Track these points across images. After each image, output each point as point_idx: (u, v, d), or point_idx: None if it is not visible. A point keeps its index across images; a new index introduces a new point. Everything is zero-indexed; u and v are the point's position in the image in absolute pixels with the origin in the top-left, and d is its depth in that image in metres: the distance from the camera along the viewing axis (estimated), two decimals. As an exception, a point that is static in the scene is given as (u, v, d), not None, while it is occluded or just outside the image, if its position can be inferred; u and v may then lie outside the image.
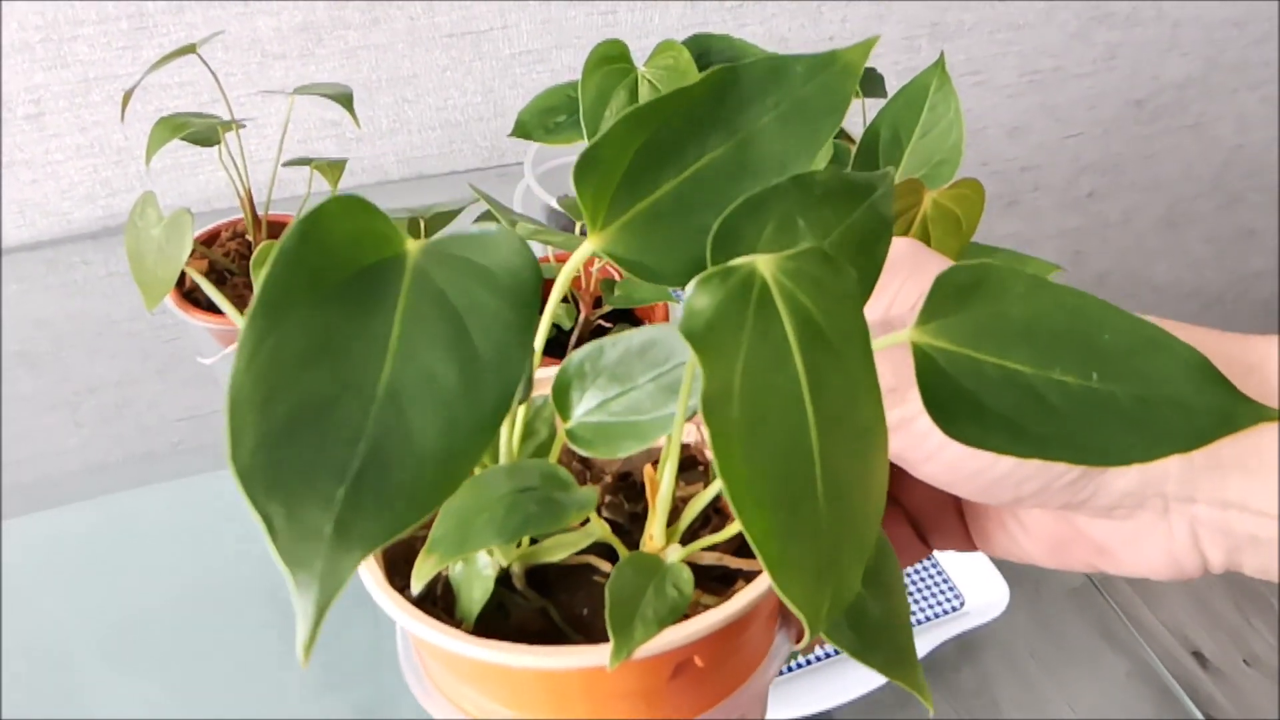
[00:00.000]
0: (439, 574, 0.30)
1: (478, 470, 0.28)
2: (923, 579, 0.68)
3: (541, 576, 0.31)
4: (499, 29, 0.93)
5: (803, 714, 0.61)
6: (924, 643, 0.64)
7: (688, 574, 0.27)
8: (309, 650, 0.18)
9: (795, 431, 0.21)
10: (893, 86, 0.53)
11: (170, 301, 0.62)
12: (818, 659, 0.64)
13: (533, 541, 0.29)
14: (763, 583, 0.28)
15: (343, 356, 0.20)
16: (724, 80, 0.26)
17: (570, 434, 0.28)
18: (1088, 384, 0.25)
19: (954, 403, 0.25)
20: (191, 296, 0.63)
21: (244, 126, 0.61)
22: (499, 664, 0.27)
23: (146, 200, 0.59)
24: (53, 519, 0.78)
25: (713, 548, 0.29)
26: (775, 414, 0.21)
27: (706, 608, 0.28)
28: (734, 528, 0.28)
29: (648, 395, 0.28)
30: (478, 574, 0.29)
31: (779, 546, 0.20)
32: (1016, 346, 0.26)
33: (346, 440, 0.19)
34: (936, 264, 0.33)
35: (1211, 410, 0.25)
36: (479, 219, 0.57)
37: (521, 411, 0.30)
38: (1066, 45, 1.20)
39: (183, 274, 0.60)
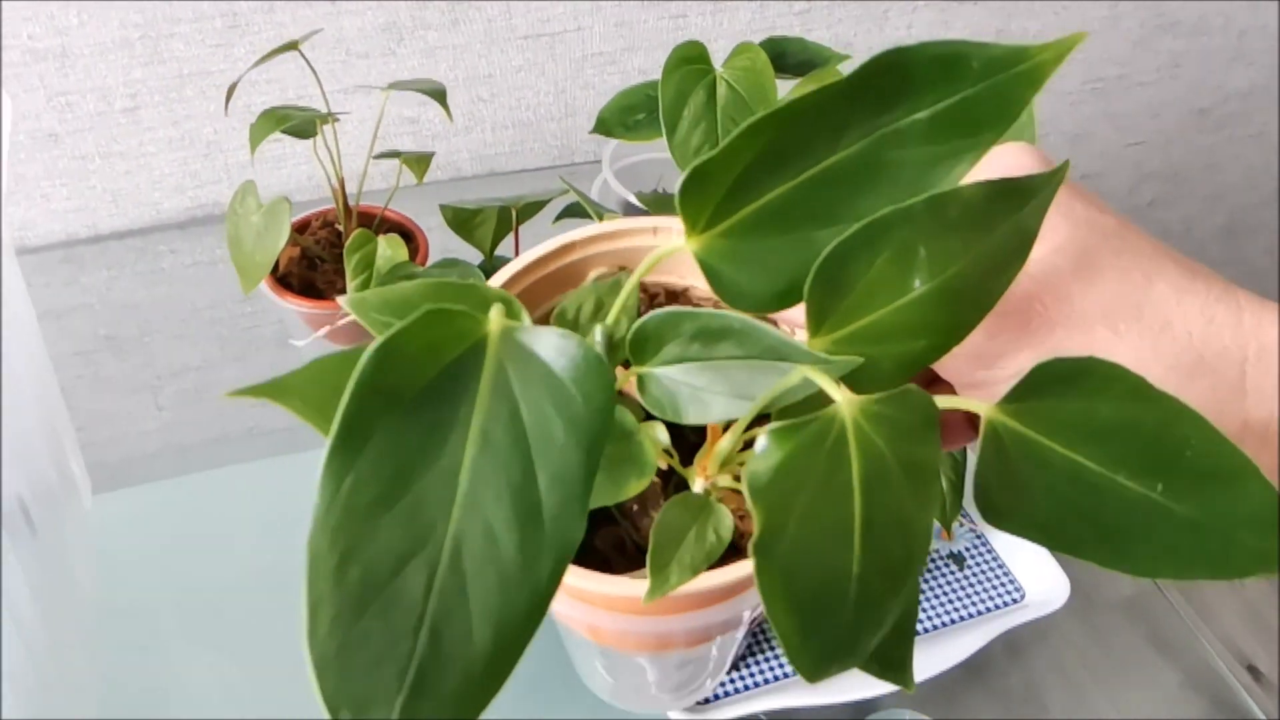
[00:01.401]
0: None
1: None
2: (983, 571, 0.70)
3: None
4: (573, 31, 0.95)
5: (849, 699, 0.62)
6: (985, 633, 0.65)
7: (729, 520, 0.29)
8: None
9: (839, 560, 0.21)
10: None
11: (264, 285, 0.65)
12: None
13: None
14: None
15: (414, 499, 0.20)
16: (883, 65, 0.23)
17: (641, 382, 0.28)
18: (1149, 495, 0.24)
19: (1002, 490, 0.24)
20: (285, 281, 0.66)
21: (338, 120, 0.64)
22: None
23: (247, 189, 0.62)
24: (133, 497, 0.81)
25: None
26: (823, 548, 0.21)
27: (743, 516, 0.30)
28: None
29: (718, 374, 0.28)
30: None
31: (799, 640, 0.21)
32: (1092, 443, 0.25)
33: (410, 624, 0.20)
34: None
35: (1260, 554, 0.24)
36: (564, 211, 0.60)
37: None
38: (1130, 53, 1.20)
39: (276, 259, 0.63)
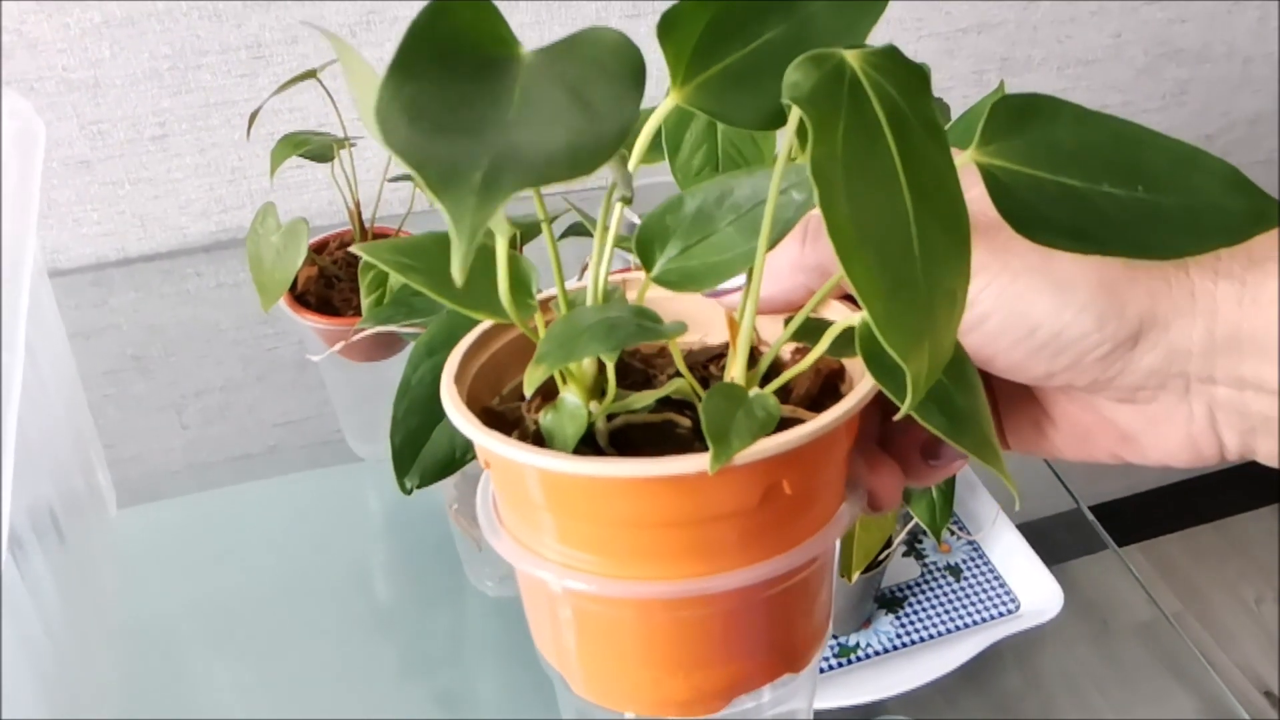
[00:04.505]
0: (529, 429, 0.31)
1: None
2: (979, 583, 0.71)
3: (624, 438, 0.31)
4: (584, 61, 0.98)
5: (848, 703, 0.64)
6: (981, 641, 0.66)
7: (774, 399, 0.28)
8: (464, 270, 0.20)
9: (892, 197, 0.23)
10: (958, 116, 0.57)
11: (283, 303, 0.67)
12: (873, 654, 0.67)
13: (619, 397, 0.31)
14: (847, 402, 0.29)
15: (474, 105, 0.22)
16: None
17: (657, 280, 0.30)
18: (1136, 195, 0.28)
19: (1022, 210, 0.27)
20: (302, 299, 0.69)
21: (355, 145, 0.67)
22: (601, 476, 0.27)
23: (267, 210, 0.65)
24: (158, 511, 0.84)
25: (784, 397, 0.31)
26: (874, 181, 0.23)
27: None
28: (809, 359, 0.29)
29: (727, 237, 0.30)
30: (570, 415, 0.30)
31: (884, 305, 0.22)
32: (1068, 166, 0.28)
33: (488, 138, 0.21)
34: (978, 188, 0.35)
35: (1247, 212, 0.28)
36: (568, 230, 0.62)
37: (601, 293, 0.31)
38: (1135, 81, 1.22)
39: (294, 278, 0.66)
